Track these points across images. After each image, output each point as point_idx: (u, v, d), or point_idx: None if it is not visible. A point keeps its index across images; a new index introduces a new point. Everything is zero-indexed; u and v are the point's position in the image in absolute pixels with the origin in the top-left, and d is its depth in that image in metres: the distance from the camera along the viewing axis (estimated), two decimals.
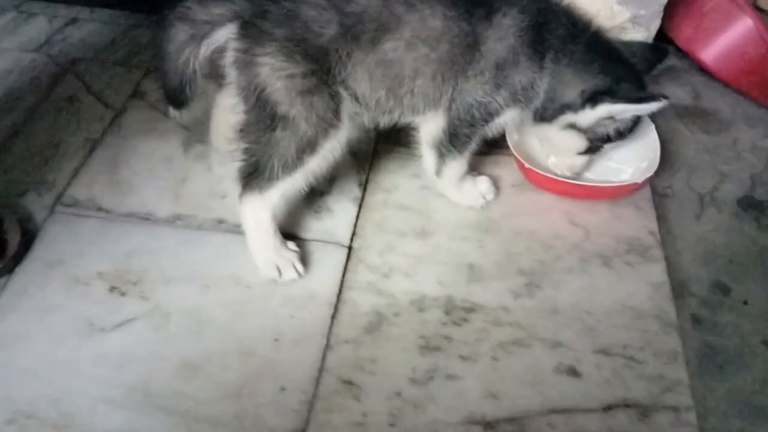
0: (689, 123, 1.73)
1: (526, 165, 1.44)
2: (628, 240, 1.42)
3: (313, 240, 1.38)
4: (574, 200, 1.49)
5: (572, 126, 1.33)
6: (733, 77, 1.69)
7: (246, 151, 1.24)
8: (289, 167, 1.22)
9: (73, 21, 1.89)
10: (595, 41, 1.28)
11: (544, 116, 1.33)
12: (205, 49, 1.19)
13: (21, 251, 1.30)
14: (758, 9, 2.02)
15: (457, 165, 1.40)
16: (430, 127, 1.35)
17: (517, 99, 1.29)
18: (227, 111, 1.38)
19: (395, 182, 1.51)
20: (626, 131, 1.36)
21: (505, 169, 1.54)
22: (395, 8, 1.17)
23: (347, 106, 1.22)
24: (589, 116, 1.30)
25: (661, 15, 1.50)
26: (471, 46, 1.21)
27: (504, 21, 1.21)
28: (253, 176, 1.24)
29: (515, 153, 1.46)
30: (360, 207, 1.45)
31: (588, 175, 1.50)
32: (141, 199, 1.43)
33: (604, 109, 1.28)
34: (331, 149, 1.24)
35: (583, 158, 1.43)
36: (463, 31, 1.20)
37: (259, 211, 1.27)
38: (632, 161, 1.49)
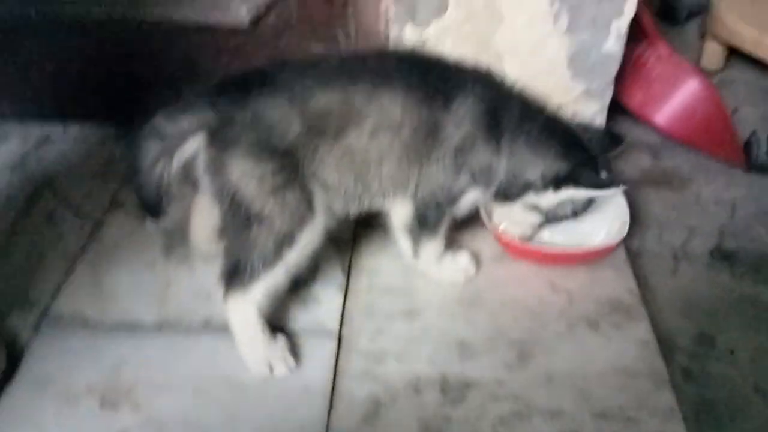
0: (652, 182, 1.80)
1: (507, 239, 1.48)
2: (611, 301, 1.45)
3: (302, 330, 1.38)
4: (553, 267, 1.52)
5: (533, 207, 1.39)
6: (687, 136, 1.78)
7: (226, 251, 1.26)
8: (269, 263, 1.24)
9: (47, 139, 1.91)
10: (550, 123, 1.33)
11: (507, 195, 1.37)
12: (178, 160, 1.22)
13: (8, 372, 1.27)
14: (702, 69, 2.16)
15: (433, 245, 1.43)
16: (399, 212, 1.39)
17: (477, 180, 1.34)
18: (205, 212, 1.41)
19: (378, 264, 1.53)
20: (580, 211, 1.42)
21: (483, 241, 1.57)
22: (356, 101, 1.22)
23: (320, 197, 1.26)
24: (550, 198, 1.36)
25: (612, 86, 1.58)
26: (432, 132, 1.27)
27: (460, 108, 1.27)
28: (235, 276, 1.25)
29: (490, 225, 1.50)
30: (346, 293, 1.46)
31: (562, 240, 1.54)
32: (126, 308, 1.42)
33: (566, 194, 1.34)
34: (309, 241, 1.27)
35: (535, 228, 1.48)
36: (423, 118, 1.25)
37: (245, 310, 1.28)
38: (604, 223, 1.54)
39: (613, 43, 1.50)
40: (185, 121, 1.21)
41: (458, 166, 1.31)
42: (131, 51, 1.72)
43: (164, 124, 1.21)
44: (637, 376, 1.30)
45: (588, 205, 1.42)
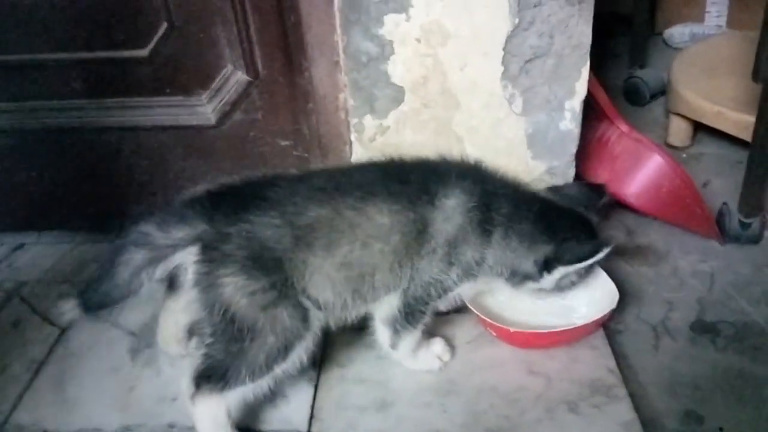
0: (628, 258, 1.78)
1: (496, 324, 1.45)
2: (590, 382, 1.40)
3: (270, 431, 1.32)
4: (530, 349, 1.48)
5: (539, 290, 1.40)
6: (657, 211, 1.78)
7: (209, 355, 1.23)
8: (256, 375, 1.22)
9: (20, 246, 1.92)
10: (537, 209, 1.34)
11: (512, 283, 1.38)
12: (161, 271, 1.21)
13: None
14: (669, 146, 2.20)
15: (412, 338, 1.40)
16: (384, 307, 1.37)
17: (470, 274, 1.34)
18: (176, 313, 1.39)
19: (350, 355, 1.49)
20: (584, 274, 1.43)
21: (457, 327, 1.54)
22: (345, 213, 1.23)
23: (314, 314, 1.25)
24: (549, 280, 1.36)
25: (573, 164, 1.60)
26: (421, 231, 1.27)
27: (447, 202, 1.28)
28: (213, 379, 1.22)
29: (476, 311, 1.48)
30: (316, 387, 1.42)
31: (552, 319, 1.51)
32: (88, 415, 1.38)
33: (559, 273, 1.35)
34: (301, 353, 1.25)
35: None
36: (410, 219, 1.25)
37: (214, 412, 1.23)
38: (587, 300, 1.52)
39: (569, 121, 1.53)
40: (179, 232, 1.19)
41: (450, 260, 1.30)
42: (102, 156, 1.74)
43: (156, 233, 1.20)
44: None
45: (590, 270, 1.42)
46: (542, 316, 1.51)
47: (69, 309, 1.24)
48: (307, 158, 1.69)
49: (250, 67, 1.60)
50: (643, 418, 1.33)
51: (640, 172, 1.71)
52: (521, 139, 1.54)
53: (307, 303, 1.24)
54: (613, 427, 1.30)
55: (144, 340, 1.54)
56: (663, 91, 2.38)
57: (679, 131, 2.20)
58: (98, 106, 1.67)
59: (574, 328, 1.46)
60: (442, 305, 1.42)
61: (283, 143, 1.69)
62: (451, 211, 1.28)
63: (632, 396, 1.37)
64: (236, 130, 1.68)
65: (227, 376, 1.21)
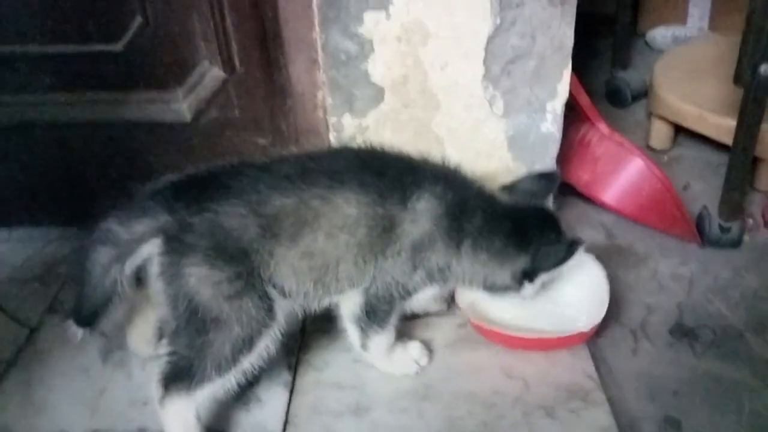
0: (608, 261, 1.75)
1: (490, 328, 1.45)
2: (568, 386, 1.39)
3: None
4: (509, 353, 1.46)
5: (523, 297, 1.38)
6: (637, 214, 1.77)
7: (174, 354, 1.21)
8: (223, 368, 1.20)
9: None
10: (511, 223, 1.32)
11: (492, 293, 1.37)
12: (130, 266, 1.18)
13: None
14: (650, 148, 2.20)
15: (382, 338, 1.38)
16: (349, 303, 1.35)
17: (433, 278, 1.32)
18: (146, 313, 1.35)
19: (326, 359, 1.46)
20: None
21: (436, 330, 1.52)
22: (311, 203, 1.20)
23: (279, 303, 1.23)
24: (531, 289, 1.35)
25: (555, 166, 1.58)
26: (387, 229, 1.25)
27: (418, 205, 1.25)
28: (181, 378, 1.19)
29: (470, 315, 1.47)
30: (291, 391, 1.39)
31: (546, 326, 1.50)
32: (56, 418, 1.34)
33: (540, 280, 1.34)
34: (266, 346, 1.23)
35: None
36: (378, 214, 1.23)
37: (184, 415, 1.21)
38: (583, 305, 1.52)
39: (551, 123, 1.52)
40: (140, 226, 1.17)
41: (415, 264, 1.28)
42: (74, 152, 1.70)
43: (117, 228, 1.18)
44: None
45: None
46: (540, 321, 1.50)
47: (73, 328, 1.24)
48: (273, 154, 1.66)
49: (227, 63, 1.56)
50: (621, 424, 1.32)
51: (620, 175, 1.70)
52: (502, 141, 1.52)
53: (273, 292, 1.22)
54: None
55: (115, 341, 1.50)
56: (645, 93, 2.38)
57: (660, 134, 2.20)
58: (70, 100, 1.62)
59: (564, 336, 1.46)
60: (408, 307, 1.39)
61: (261, 141, 1.66)
62: (419, 214, 1.25)
63: (610, 401, 1.36)
64: (212, 127, 1.65)
65: (193, 371, 1.18)
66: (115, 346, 1.49)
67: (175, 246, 1.17)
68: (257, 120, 1.63)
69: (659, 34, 2.72)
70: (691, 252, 1.80)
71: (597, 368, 1.43)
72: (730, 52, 2.01)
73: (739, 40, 1.60)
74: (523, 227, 1.33)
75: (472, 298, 1.49)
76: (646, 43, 2.76)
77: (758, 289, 1.68)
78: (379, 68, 1.46)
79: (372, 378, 1.42)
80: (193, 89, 1.60)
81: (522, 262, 1.32)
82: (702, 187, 2.03)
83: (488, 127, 1.51)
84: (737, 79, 1.59)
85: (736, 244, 1.79)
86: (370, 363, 1.42)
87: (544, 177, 1.42)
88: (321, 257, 1.23)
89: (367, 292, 1.31)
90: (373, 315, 1.33)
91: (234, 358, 1.20)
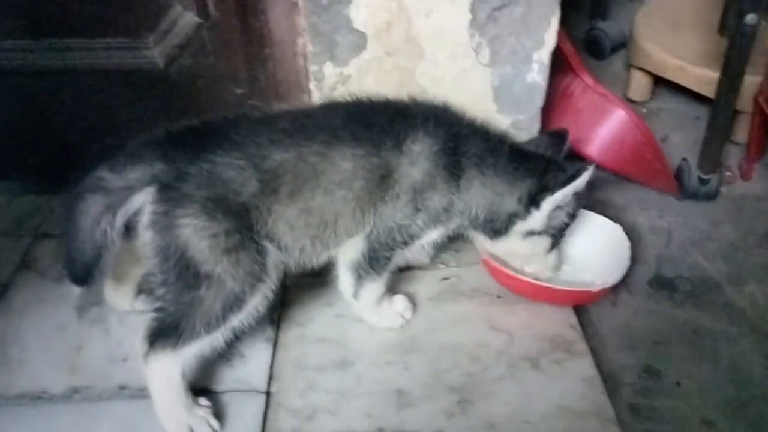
0: None
1: (518, 276, 1.43)
2: (552, 338, 1.40)
3: (227, 391, 1.28)
4: (493, 305, 1.47)
5: (530, 233, 1.35)
6: (618, 166, 1.76)
7: (160, 309, 1.17)
8: (212, 326, 1.16)
9: None
10: (507, 149, 1.32)
11: (497, 230, 1.34)
12: (122, 216, 1.14)
13: None
14: (629, 100, 2.19)
15: (375, 287, 1.37)
16: (349, 250, 1.33)
17: (438, 220, 1.31)
18: (126, 266, 1.32)
19: (309, 314, 1.45)
20: (576, 210, 1.39)
21: (420, 283, 1.52)
22: (309, 159, 1.18)
23: (273, 259, 1.20)
24: (538, 217, 1.33)
25: (539, 117, 1.57)
26: (385, 176, 1.23)
27: (414, 147, 1.24)
28: (167, 335, 1.16)
29: (493, 263, 1.45)
30: (275, 347, 1.38)
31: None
32: (32, 377, 1.31)
33: (548, 204, 1.31)
34: (257, 304, 1.20)
35: (554, 254, 1.44)
36: (374, 164, 1.22)
37: (168, 371, 1.18)
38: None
39: (537, 74, 1.49)
40: (134, 173, 1.13)
41: (416, 207, 1.27)
42: (42, 102, 1.63)
43: (110, 176, 1.13)
44: (582, 415, 1.25)
45: (578, 202, 1.38)
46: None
47: (78, 293, 1.22)
48: (263, 108, 1.61)
49: (201, 8, 1.49)
50: (603, 373, 1.34)
51: (603, 128, 1.69)
52: (487, 92, 1.49)
53: (269, 247, 1.19)
54: (574, 382, 1.31)
55: (91, 297, 1.46)
56: (624, 44, 2.36)
57: (639, 85, 2.19)
58: (36, 47, 1.54)
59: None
60: (408, 254, 1.38)
61: (238, 91, 1.60)
62: (416, 155, 1.24)
63: (592, 351, 1.38)
64: (186, 75, 1.58)
65: (180, 329, 1.15)
66: (91, 303, 1.45)
67: (170, 195, 1.13)
68: (233, 68, 1.57)
69: None
70: (669, 204, 1.81)
71: (579, 320, 1.45)
72: (712, 1, 2.00)
73: None
74: (529, 156, 1.33)
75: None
76: None
77: (735, 241, 1.70)
78: (361, 14, 1.40)
79: (356, 332, 1.41)
80: (166, 35, 1.53)
81: (528, 184, 1.30)
82: (680, 139, 2.04)
83: (474, 76, 1.48)
84: (722, 29, 1.58)
85: (713, 196, 1.81)
86: (357, 315, 1.41)
87: (554, 135, 1.42)
88: (319, 214, 1.22)
89: (369, 237, 1.29)
90: (374, 261, 1.32)
91: (224, 316, 1.17)
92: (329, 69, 1.48)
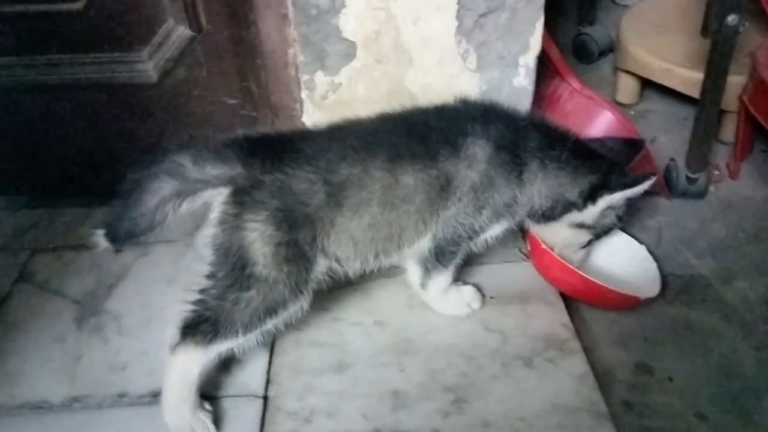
0: None
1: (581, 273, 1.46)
2: (545, 337, 1.41)
3: (225, 397, 1.30)
4: (486, 306, 1.48)
5: (580, 225, 1.41)
6: None
7: (200, 302, 1.20)
8: (250, 327, 1.21)
9: None
10: (569, 143, 1.36)
11: (550, 217, 1.39)
12: (188, 205, 1.18)
13: None
14: (617, 103, 2.22)
15: (443, 278, 1.42)
16: (416, 247, 1.37)
17: (500, 215, 1.35)
18: None
19: (305, 318, 1.44)
20: (624, 215, 1.45)
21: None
22: (374, 174, 1.23)
23: (316, 273, 1.26)
24: (592, 212, 1.38)
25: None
26: (445, 186, 1.28)
27: (469, 151, 1.28)
28: (202, 330, 1.19)
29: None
30: (272, 351, 1.39)
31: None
32: (33, 387, 1.33)
33: (605, 202, 1.37)
34: (293, 312, 1.25)
35: (585, 251, 1.50)
36: (433, 176, 1.27)
37: (191, 365, 1.20)
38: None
39: (523, 78, 1.51)
40: (214, 170, 1.18)
41: (479, 205, 1.31)
42: (36, 117, 1.64)
43: (190, 167, 1.18)
44: (576, 411, 1.26)
45: (629, 208, 1.46)
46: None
47: (100, 238, 1.20)
48: (256, 117, 1.63)
49: (193, 21, 1.52)
50: (596, 370, 1.36)
51: (591, 129, 1.71)
52: (475, 96, 1.51)
53: (321, 260, 1.25)
54: (567, 380, 1.32)
55: (89, 308, 1.48)
56: (611, 48, 2.40)
57: (627, 88, 2.22)
58: (30, 63, 1.57)
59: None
60: (475, 247, 1.42)
61: (230, 102, 1.62)
62: (473, 158, 1.29)
63: (585, 349, 1.40)
64: (179, 87, 1.61)
65: (218, 326, 1.19)
66: (89, 313, 1.47)
67: (243, 199, 1.18)
68: (226, 79, 1.60)
69: None
70: (658, 205, 1.83)
71: (572, 318, 1.47)
72: (696, 4, 2.03)
73: None
74: (591, 151, 1.38)
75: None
76: (612, 0, 2.77)
77: (724, 238, 1.73)
78: (350, 23, 1.43)
79: (352, 336, 1.43)
80: (159, 49, 1.56)
81: (591, 179, 1.35)
82: (668, 140, 2.06)
83: (462, 82, 1.50)
84: (705, 31, 1.61)
85: (702, 194, 1.84)
86: (426, 302, 1.46)
87: (630, 144, 1.49)
88: (385, 228, 1.27)
89: (435, 236, 1.34)
90: (440, 255, 1.36)
91: (263, 319, 1.21)
92: (320, 78, 1.50)
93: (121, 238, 1.20)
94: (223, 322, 1.19)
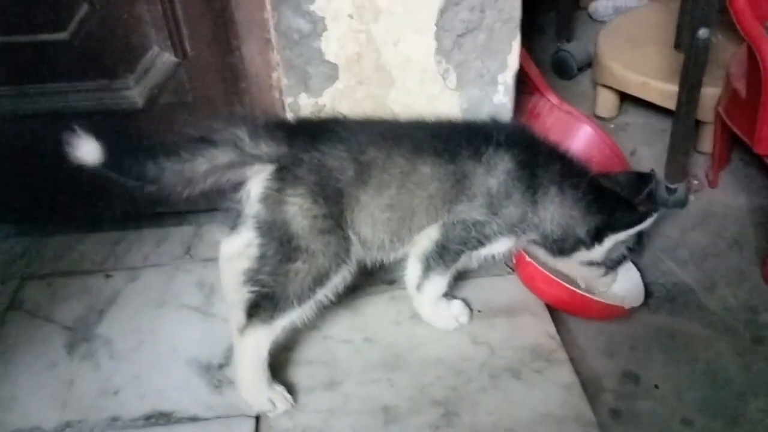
0: None
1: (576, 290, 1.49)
2: (532, 348, 1.44)
3: (217, 417, 1.31)
4: (473, 320, 1.50)
5: (590, 263, 1.46)
6: None
7: (257, 282, 1.29)
8: (303, 297, 1.29)
9: None
10: (591, 183, 1.42)
11: (562, 250, 1.44)
12: (232, 175, 1.27)
13: None
14: (597, 117, 2.26)
15: (440, 280, 1.44)
16: (423, 239, 1.40)
17: (512, 229, 1.39)
18: (235, 259, 1.44)
19: (295, 337, 1.48)
20: (635, 245, 1.49)
21: (401, 302, 1.54)
22: (397, 160, 1.32)
23: (354, 249, 1.34)
24: (600, 251, 1.43)
25: None
26: (459, 180, 1.35)
27: (491, 159, 1.36)
28: (264, 307, 1.28)
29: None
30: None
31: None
32: (25, 413, 1.33)
33: (610, 242, 1.43)
34: (338, 283, 1.33)
35: (610, 275, 1.53)
36: (449, 170, 1.35)
37: (261, 342, 1.29)
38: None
39: (503, 95, 1.55)
40: (267, 147, 1.27)
41: (492, 209, 1.37)
42: (24, 145, 1.65)
43: (247, 141, 1.25)
44: (564, 420, 1.28)
45: (640, 238, 1.49)
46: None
47: (91, 147, 1.22)
48: None
49: (178, 48, 1.55)
50: (583, 380, 1.38)
51: (572, 143, 1.74)
52: (456, 115, 1.55)
53: (352, 236, 1.33)
54: (554, 390, 1.34)
55: (80, 333, 1.49)
56: (590, 63, 2.44)
57: (606, 102, 2.27)
58: (18, 93, 1.59)
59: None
60: (476, 259, 1.46)
61: (216, 125, 1.64)
62: (493, 166, 1.35)
63: (572, 359, 1.42)
64: (166, 113, 1.63)
65: (276, 299, 1.27)
66: (80, 339, 1.48)
67: (285, 175, 1.27)
68: (212, 103, 1.62)
69: (601, 6, 2.79)
70: None
71: (558, 329, 1.49)
72: (669, 18, 2.09)
73: (678, 7, 1.65)
74: (604, 189, 1.44)
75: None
76: (589, 16, 2.83)
77: (705, 247, 1.76)
78: (332, 46, 1.46)
79: (341, 353, 1.44)
80: (144, 75, 1.58)
81: (598, 220, 1.40)
82: (648, 152, 2.10)
83: (442, 101, 1.54)
84: (678, 44, 1.65)
85: (682, 204, 1.87)
86: (414, 308, 1.49)
87: (640, 177, 1.52)
88: (400, 210, 1.35)
89: (444, 226, 1.37)
90: (445, 252, 1.40)
91: (313, 288, 1.29)
92: (304, 100, 1.53)
93: (145, 183, 1.22)
94: (279, 296, 1.27)
